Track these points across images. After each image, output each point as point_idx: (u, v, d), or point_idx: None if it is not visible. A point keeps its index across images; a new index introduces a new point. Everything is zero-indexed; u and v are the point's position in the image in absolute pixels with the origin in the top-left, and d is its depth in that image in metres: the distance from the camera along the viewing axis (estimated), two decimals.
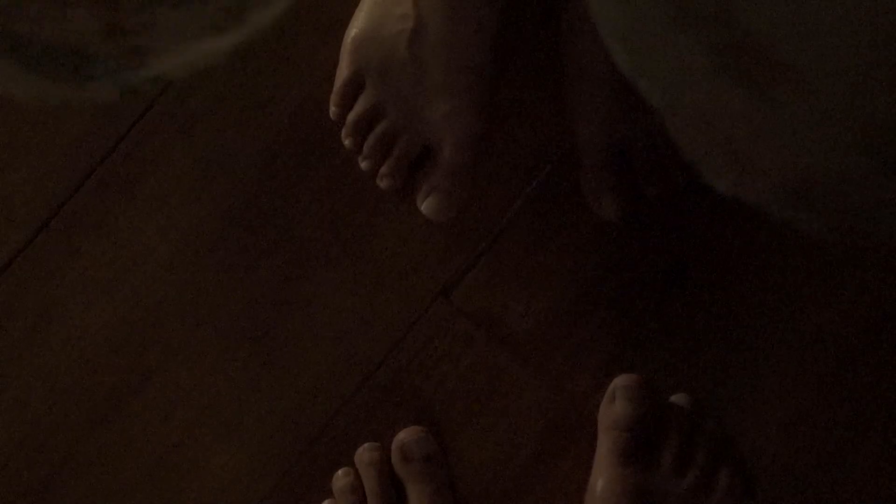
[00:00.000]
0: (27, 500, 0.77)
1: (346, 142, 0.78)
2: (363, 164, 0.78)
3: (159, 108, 0.79)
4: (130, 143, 0.79)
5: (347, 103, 0.77)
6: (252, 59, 0.80)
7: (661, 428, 0.74)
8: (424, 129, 0.76)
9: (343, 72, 0.77)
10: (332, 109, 0.78)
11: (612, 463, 0.73)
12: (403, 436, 0.76)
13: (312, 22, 0.79)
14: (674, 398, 0.76)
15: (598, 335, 0.77)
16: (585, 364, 0.77)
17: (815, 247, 0.77)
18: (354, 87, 0.76)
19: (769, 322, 0.77)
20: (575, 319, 0.77)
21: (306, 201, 0.79)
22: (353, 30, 0.76)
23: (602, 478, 0.73)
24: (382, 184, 0.78)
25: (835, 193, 0.33)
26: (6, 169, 0.79)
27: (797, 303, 0.77)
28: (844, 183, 0.31)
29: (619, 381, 0.75)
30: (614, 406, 0.74)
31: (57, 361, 0.78)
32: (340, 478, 0.76)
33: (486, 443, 0.77)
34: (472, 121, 0.75)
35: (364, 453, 0.76)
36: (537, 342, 0.77)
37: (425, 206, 0.77)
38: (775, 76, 0.29)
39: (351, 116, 0.77)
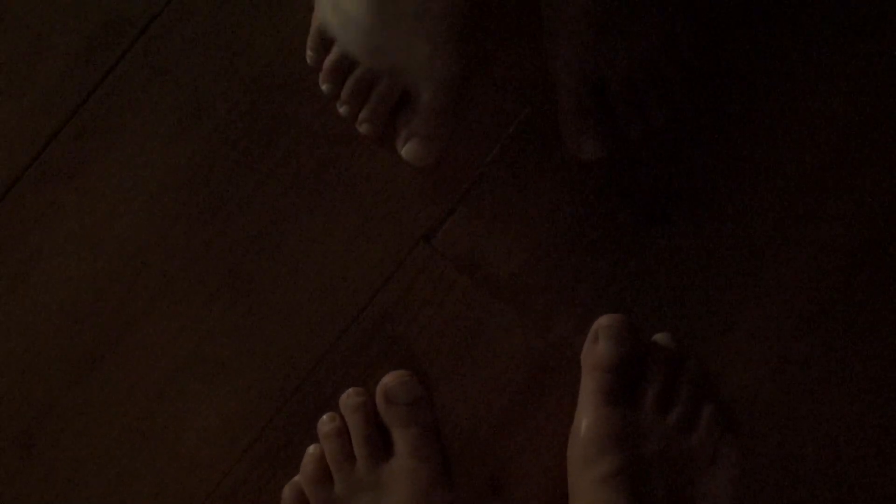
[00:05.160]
0: (12, 451, 0.78)
1: (324, 87, 0.77)
2: (342, 110, 0.77)
3: (136, 52, 0.79)
4: (107, 89, 0.79)
5: (323, 48, 0.76)
6: (229, 3, 0.79)
7: (643, 367, 0.75)
8: (403, 74, 0.75)
9: (317, 16, 0.76)
10: (309, 54, 0.77)
11: (595, 403, 0.74)
12: (388, 380, 0.76)
13: None
14: (656, 337, 0.76)
15: (581, 276, 0.77)
16: (568, 305, 0.77)
17: (796, 186, 0.77)
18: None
19: (750, 261, 0.77)
20: (557, 261, 0.77)
21: (286, 146, 0.78)
22: None
23: (586, 418, 0.74)
24: (362, 129, 0.77)
25: None
26: None
27: (778, 242, 0.77)
28: None
29: (602, 322, 0.75)
30: (597, 346, 0.75)
31: (39, 312, 0.78)
32: (326, 423, 0.76)
33: (470, 385, 0.77)
34: (450, 64, 0.75)
35: (349, 398, 0.76)
36: (519, 285, 0.77)
37: (405, 150, 0.77)
38: None
39: (327, 61, 0.76)
